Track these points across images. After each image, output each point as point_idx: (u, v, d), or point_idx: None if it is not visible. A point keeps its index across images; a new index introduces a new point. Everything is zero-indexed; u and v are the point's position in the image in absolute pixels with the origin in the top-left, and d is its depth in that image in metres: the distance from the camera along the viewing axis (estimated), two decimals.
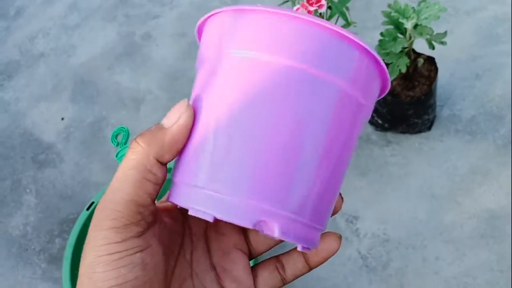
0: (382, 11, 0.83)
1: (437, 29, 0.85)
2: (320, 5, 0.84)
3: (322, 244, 0.28)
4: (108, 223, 0.24)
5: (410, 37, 0.84)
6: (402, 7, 0.81)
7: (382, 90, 0.28)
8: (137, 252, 0.24)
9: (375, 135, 1.05)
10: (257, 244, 0.30)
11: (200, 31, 0.28)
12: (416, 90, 0.94)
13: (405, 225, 0.94)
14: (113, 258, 0.23)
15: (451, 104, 1.07)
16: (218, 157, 0.24)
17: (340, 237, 0.29)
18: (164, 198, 0.30)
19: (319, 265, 0.29)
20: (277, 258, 0.30)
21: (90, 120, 1.23)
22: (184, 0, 1.44)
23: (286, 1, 0.96)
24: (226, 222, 0.27)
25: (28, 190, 1.14)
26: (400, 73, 0.86)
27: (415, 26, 0.81)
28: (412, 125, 1.01)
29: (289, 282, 0.29)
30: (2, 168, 1.19)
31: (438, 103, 1.05)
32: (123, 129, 0.65)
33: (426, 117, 0.99)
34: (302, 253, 0.29)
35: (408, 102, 0.94)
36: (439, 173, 0.98)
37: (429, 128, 1.03)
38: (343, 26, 0.91)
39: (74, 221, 1.06)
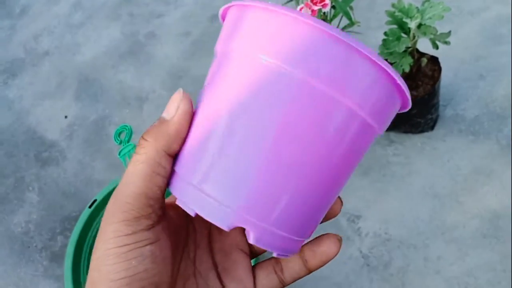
0: (386, 11, 0.83)
1: (441, 29, 0.85)
2: (324, 4, 0.84)
3: (321, 247, 0.28)
4: (118, 216, 0.24)
5: (414, 37, 0.84)
6: (406, 6, 0.80)
7: (401, 108, 0.27)
8: (146, 245, 0.25)
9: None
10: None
11: (223, 17, 0.28)
12: (419, 90, 0.94)
13: (407, 224, 0.94)
14: (123, 250, 0.24)
15: (455, 104, 1.06)
16: (208, 161, 0.24)
17: (340, 239, 0.28)
18: (170, 197, 0.31)
19: (318, 268, 0.29)
20: (276, 259, 0.30)
21: (93, 118, 1.24)
22: None
23: (290, 0, 0.96)
24: None
25: (31, 188, 1.15)
26: (404, 72, 0.86)
27: (419, 25, 0.81)
28: (415, 125, 1.01)
29: (288, 284, 0.29)
30: (5, 166, 1.20)
31: (441, 103, 1.05)
32: (126, 127, 0.65)
33: (429, 116, 0.99)
34: (301, 255, 0.29)
35: (411, 101, 0.94)
36: (441, 172, 0.98)
37: (432, 128, 1.03)
38: (347, 26, 0.91)
39: (76, 218, 1.06)
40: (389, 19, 0.83)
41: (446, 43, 0.83)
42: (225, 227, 0.24)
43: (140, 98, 1.25)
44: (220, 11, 0.27)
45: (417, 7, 0.80)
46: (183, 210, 0.29)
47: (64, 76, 1.34)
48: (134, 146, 0.66)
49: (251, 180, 0.23)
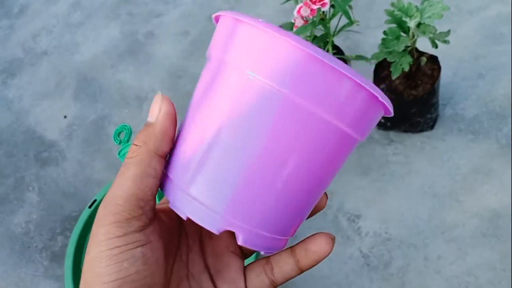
0: (385, 10, 0.83)
1: (440, 28, 0.85)
2: (323, 3, 0.84)
3: (313, 246, 0.28)
4: (110, 218, 0.24)
5: (413, 36, 0.84)
6: (406, 5, 0.80)
7: (385, 113, 0.28)
8: (138, 247, 0.25)
9: (377, 134, 1.05)
10: None
11: (217, 20, 0.29)
12: (419, 89, 0.94)
13: (407, 224, 0.94)
14: (114, 252, 0.24)
15: (454, 103, 1.06)
16: (195, 167, 0.25)
17: (333, 238, 0.28)
18: (162, 201, 0.31)
19: (310, 267, 0.29)
20: (267, 259, 0.30)
21: (92, 118, 1.23)
22: None
23: (289, 0, 0.96)
24: None
25: (30, 188, 1.15)
26: (403, 71, 0.86)
27: (418, 24, 0.81)
28: (415, 124, 1.01)
29: (279, 284, 0.29)
30: (5, 166, 1.20)
31: (440, 102, 1.05)
32: (126, 127, 0.65)
33: (428, 116, 0.99)
34: (292, 255, 0.29)
35: (410, 101, 0.94)
36: (441, 172, 0.98)
37: (431, 127, 1.03)
38: (346, 25, 0.91)
39: (76, 218, 1.06)
40: (389, 18, 0.83)
41: (446, 42, 0.83)
42: (215, 231, 0.25)
43: (139, 97, 1.25)
44: (214, 16, 0.29)
45: (416, 6, 0.80)
46: (176, 214, 0.30)
47: (63, 75, 1.34)
48: None
49: (235, 187, 0.25)
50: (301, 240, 0.29)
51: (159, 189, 0.27)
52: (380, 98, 0.25)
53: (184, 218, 0.25)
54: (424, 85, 0.94)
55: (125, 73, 1.30)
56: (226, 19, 0.27)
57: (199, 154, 0.25)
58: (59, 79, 1.34)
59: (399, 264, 0.91)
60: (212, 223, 0.25)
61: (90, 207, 0.86)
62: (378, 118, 0.27)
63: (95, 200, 0.86)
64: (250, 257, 0.31)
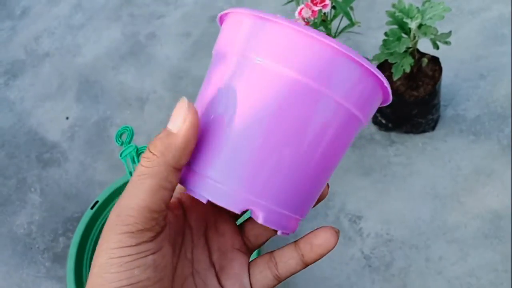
0: (386, 11, 0.83)
1: (442, 29, 0.85)
2: (325, 5, 0.84)
3: (318, 240, 0.28)
4: (122, 228, 0.24)
5: (414, 37, 0.84)
6: (407, 7, 0.80)
7: (384, 101, 0.30)
8: (149, 255, 0.25)
9: (378, 135, 1.05)
10: (255, 239, 0.31)
11: (221, 21, 0.30)
12: (420, 90, 0.94)
13: (409, 225, 0.94)
14: (126, 260, 0.24)
15: (455, 104, 1.06)
16: (216, 150, 0.26)
17: (337, 232, 0.28)
18: None
19: (315, 261, 0.29)
20: (271, 254, 0.30)
21: (94, 120, 1.24)
22: None
23: (291, 1, 0.96)
24: (225, 222, 0.31)
25: (32, 189, 1.15)
26: (404, 73, 0.86)
27: (420, 26, 0.81)
28: (416, 125, 1.01)
29: (284, 279, 0.30)
30: (7, 167, 1.20)
31: (442, 103, 1.05)
32: (128, 129, 0.65)
33: (430, 117, 0.99)
34: (297, 249, 0.29)
35: (412, 102, 0.94)
36: (442, 173, 0.98)
37: (433, 128, 1.03)
38: (348, 26, 0.91)
39: (78, 220, 1.06)
40: (390, 19, 0.83)
41: (447, 43, 0.83)
42: (237, 210, 0.26)
43: (141, 99, 1.25)
44: (218, 16, 0.30)
45: (417, 7, 0.80)
46: (179, 211, 0.30)
47: (65, 77, 1.34)
48: (136, 147, 0.66)
49: (252, 166, 0.26)
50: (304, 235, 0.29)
51: None
52: (383, 81, 0.27)
53: (204, 201, 0.26)
54: (425, 86, 0.94)
55: (127, 75, 1.31)
56: (237, 15, 0.28)
57: (216, 139, 0.26)
58: (61, 81, 1.34)
59: (401, 265, 0.91)
60: (234, 203, 0.26)
61: (92, 208, 0.86)
62: (378, 102, 0.29)
63: (97, 202, 0.86)
64: (252, 254, 0.31)
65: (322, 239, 0.28)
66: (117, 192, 0.87)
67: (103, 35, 1.42)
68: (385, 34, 0.84)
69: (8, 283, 1.02)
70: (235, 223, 0.31)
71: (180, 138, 0.25)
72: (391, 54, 0.84)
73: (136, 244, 0.24)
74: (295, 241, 0.29)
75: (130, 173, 0.65)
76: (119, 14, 1.46)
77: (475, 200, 0.94)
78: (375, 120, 1.05)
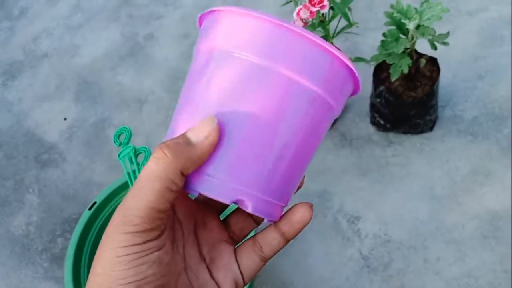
0: (385, 12, 0.83)
1: (440, 29, 0.85)
2: (323, 5, 0.84)
3: (295, 215, 0.30)
4: (129, 228, 0.25)
5: (412, 38, 0.84)
6: (405, 7, 0.81)
7: (354, 91, 0.32)
8: (155, 252, 0.26)
9: (376, 135, 1.05)
10: (239, 232, 0.33)
11: (201, 21, 0.32)
12: (418, 91, 0.94)
13: (407, 225, 0.94)
14: (133, 257, 0.25)
15: (453, 104, 1.07)
16: None
17: (311, 206, 0.30)
18: None
19: (295, 236, 0.31)
20: (253, 239, 0.31)
21: (92, 120, 1.24)
22: (187, 0, 1.44)
23: (289, 2, 0.96)
24: (211, 218, 0.32)
25: (30, 190, 1.15)
26: (402, 73, 0.86)
27: (418, 26, 0.81)
28: (414, 126, 1.01)
29: (269, 258, 0.31)
30: (5, 168, 1.20)
31: (440, 104, 1.05)
32: (126, 129, 0.65)
33: (428, 117, 0.99)
34: (277, 230, 0.31)
35: (410, 102, 0.94)
36: (440, 173, 0.98)
37: (431, 129, 1.03)
38: (346, 27, 0.91)
39: (76, 221, 1.06)
40: (388, 20, 0.84)
41: (445, 44, 0.83)
42: (228, 201, 0.27)
43: (139, 100, 1.25)
44: (198, 18, 0.32)
45: (415, 8, 0.81)
46: (171, 208, 0.31)
47: (63, 78, 1.34)
48: (134, 148, 0.66)
49: (240, 157, 0.27)
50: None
51: None
52: (352, 69, 0.29)
53: (196, 194, 0.27)
54: (423, 87, 0.94)
55: (125, 76, 1.31)
56: (206, 15, 0.30)
57: None
58: (59, 82, 1.34)
59: (399, 265, 0.91)
60: (225, 194, 0.27)
61: (90, 209, 0.86)
62: (349, 91, 0.31)
63: (95, 202, 0.86)
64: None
65: (300, 214, 0.30)
66: (115, 193, 0.87)
67: (102, 36, 1.42)
68: (383, 34, 0.84)
69: (6, 284, 1.02)
70: (219, 219, 0.33)
71: (198, 151, 0.26)
72: (389, 54, 0.84)
73: (143, 242, 0.25)
74: (274, 224, 0.31)
75: (128, 174, 0.65)
76: (118, 15, 1.46)
77: (473, 200, 0.94)
78: (373, 121, 1.05)
